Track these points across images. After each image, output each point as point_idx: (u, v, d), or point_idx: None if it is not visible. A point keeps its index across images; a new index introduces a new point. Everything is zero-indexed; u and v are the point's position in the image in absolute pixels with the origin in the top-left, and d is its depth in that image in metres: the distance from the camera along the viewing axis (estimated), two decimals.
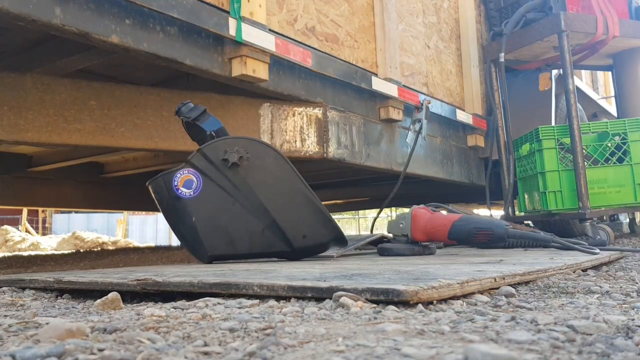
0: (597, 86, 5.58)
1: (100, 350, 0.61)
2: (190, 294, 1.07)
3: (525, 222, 3.37)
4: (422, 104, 3.05)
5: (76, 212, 15.43)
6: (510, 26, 3.40)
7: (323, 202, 2.14)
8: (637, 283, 1.24)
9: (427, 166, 3.31)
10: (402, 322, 0.74)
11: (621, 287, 1.17)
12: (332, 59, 2.50)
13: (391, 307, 0.85)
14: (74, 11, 1.55)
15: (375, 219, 3.76)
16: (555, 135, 2.99)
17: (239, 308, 0.90)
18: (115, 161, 4.11)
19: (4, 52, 2.27)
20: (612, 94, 4.56)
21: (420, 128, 3.01)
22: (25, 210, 12.14)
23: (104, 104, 2.11)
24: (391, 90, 2.83)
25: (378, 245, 2.21)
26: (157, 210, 2.42)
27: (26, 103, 1.94)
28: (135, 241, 9.69)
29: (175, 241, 9.32)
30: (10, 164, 3.66)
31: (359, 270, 1.26)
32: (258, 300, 0.97)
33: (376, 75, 2.79)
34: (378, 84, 2.75)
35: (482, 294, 1.01)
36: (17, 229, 10.64)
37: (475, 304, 0.93)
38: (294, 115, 2.46)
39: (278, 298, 0.97)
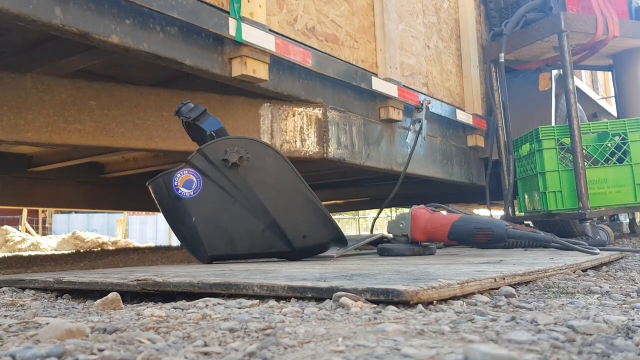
0: (597, 86, 5.58)
1: (100, 350, 0.61)
2: (190, 294, 1.07)
3: (525, 222, 3.37)
4: (422, 104, 3.05)
5: (76, 212, 15.43)
6: (510, 26, 3.40)
7: (323, 202, 2.14)
8: (637, 283, 1.24)
9: (427, 166, 3.31)
10: (402, 322, 0.74)
11: (621, 287, 1.17)
12: (332, 59, 2.50)
13: (391, 307, 0.85)
14: (74, 11, 1.55)
15: (375, 219, 3.76)
16: (555, 136, 2.99)
17: (239, 308, 0.90)
18: (115, 161, 4.11)
19: (4, 52, 2.27)
20: (612, 94, 4.56)
21: (420, 128, 3.01)
22: (25, 211, 12.14)
23: (104, 104, 2.11)
24: (391, 90, 2.84)
25: (378, 246, 2.21)
26: (157, 211, 2.42)
27: (26, 103, 1.94)
28: (135, 241, 9.69)
29: (175, 241, 9.32)
30: (10, 164, 3.66)
31: (359, 271, 1.26)
32: (258, 301, 0.97)
33: (376, 75, 2.79)
34: (378, 84, 2.75)
35: (482, 294, 1.01)
36: (17, 229, 10.64)
37: (475, 304, 0.93)
38: (294, 115, 2.46)
39: (278, 298, 0.97)
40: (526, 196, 3.35)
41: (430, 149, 3.34)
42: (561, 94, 3.59)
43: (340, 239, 2.02)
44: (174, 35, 1.84)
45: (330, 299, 0.89)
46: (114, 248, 7.53)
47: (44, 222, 14.46)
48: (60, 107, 2.02)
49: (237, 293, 1.01)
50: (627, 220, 4.94)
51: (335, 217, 13.57)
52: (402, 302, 0.85)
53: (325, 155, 2.50)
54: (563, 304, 0.93)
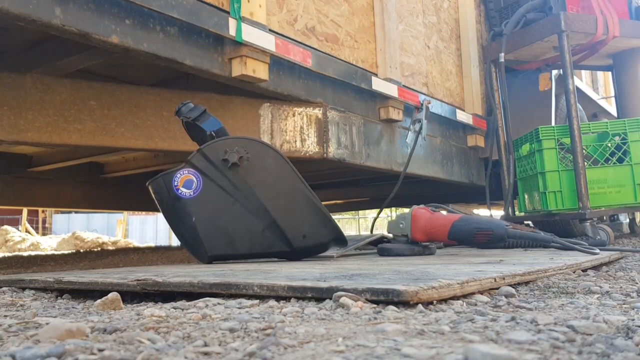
0: (597, 86, 5.58)
1: (100, 350, 0.61)
2: (190, 294, 1.07)
3: (525, 222, 3.37)
4: (422, 104, 3.05)
5: (76, 212, 15.43)
6: (510, 26, 3.40)
7: (323, 202, 2.14)
8: (637, 283, 1.24)
9: (427, 166, 3.31)
10: (402, 322, 0.74)
11: (621, 287, 1.17)
12: (332, 59, 2.50)
13: (391, 307, 0.85)
14: (74, 11, 1.55)
15: (375, 219, 3.76)
16: (555, 136, 2.99)
17: (239, 308, 0.90)
18: (115, 161, 4.11)
19: (4, 52, 2.27)
20: (612, 94, 4.56)
21: (420, 128, 3.01)
22: (25, 211, 12.14)
23: (104, 104, 2.11)
24: (391, 90, 2.84)
25: (378, 246, 2.22)
26: (157, 210, 2.42)
27: (26, 103, 1.94)
28: (135, 241, 9.68)
29: (175, 241, 9.32)
30: (10, 164, 3.66)
31: (359, 271, 1.26)
32: (258, 301, 0.97)
33: (376, 75, 2.79)
34: (378, 84, 2.75)
35: (482, 294, 1.01)
36: (17, 229, 10.64)
37: (475, 304, 0.93)
38: (294, 115, 2.46)
39: (278, 298, 0.97)
40: (526, 196, 3.35)
41: (430, 149, 3.34)
42: (561, 94, 3.59)
43: (340, 239, 2.02)
44: (174, 35, 1.84)
45: (330, 299, 0.89)
46: (114, 248, 7.53)
47: (44, 222, 14.46)
48: (60, 107, 2.02)
49: (237, 293, 1.01)
50: (627, 220, 4.94)
51: (335, 217, 13.57)
52: (402, 302, 0.85)
53: (325, 155, 2.50)
54: (563, 304, 0.93)
